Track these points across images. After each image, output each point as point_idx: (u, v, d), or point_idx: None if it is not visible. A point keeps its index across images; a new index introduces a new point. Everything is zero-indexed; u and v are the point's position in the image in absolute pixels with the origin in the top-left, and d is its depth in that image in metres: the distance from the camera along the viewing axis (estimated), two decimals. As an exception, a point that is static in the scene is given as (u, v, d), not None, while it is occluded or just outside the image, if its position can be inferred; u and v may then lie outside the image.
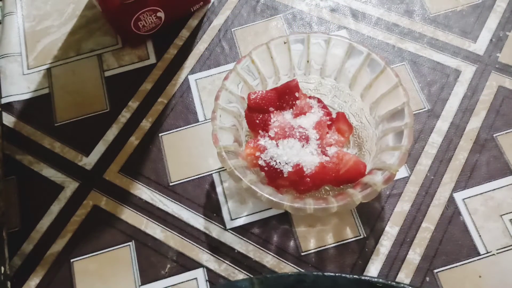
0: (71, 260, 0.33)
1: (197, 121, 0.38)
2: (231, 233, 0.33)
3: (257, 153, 0.31)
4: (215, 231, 0.34)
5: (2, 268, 0.32)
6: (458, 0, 0.41)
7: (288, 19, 0.42)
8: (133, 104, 0.39)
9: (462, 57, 0.39)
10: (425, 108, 0.37)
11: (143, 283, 0.32)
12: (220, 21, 0.42)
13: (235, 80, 0.32)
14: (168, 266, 0.33)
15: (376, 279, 0.26)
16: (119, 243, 0.34)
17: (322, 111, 0.33)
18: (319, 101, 0.34)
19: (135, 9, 0.38)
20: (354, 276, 0.26)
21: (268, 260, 0.32)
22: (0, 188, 0.35)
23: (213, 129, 0.30)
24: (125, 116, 0.39)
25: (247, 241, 0.33)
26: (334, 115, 0.34)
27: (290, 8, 0.42)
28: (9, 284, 0.32)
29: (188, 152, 0.37)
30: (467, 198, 0.33)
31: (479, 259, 0.31)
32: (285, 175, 0.30)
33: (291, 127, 0.31)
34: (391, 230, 0.32)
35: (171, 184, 0.35)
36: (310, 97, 0.34)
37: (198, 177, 0.35)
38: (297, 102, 0.33)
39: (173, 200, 0.35)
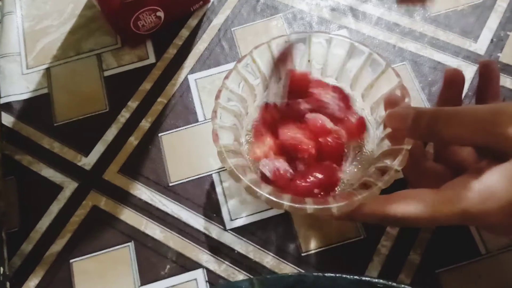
0: (71, 261, 0.33)
1: (197, 121, 0.38)
2: (231, 233, 0.33)
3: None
4: (215, 231, 0.33)
5: (1, 269, 0.32)
6: (458, 0, 0.41)
7: (288, 19, 0.42)
8: (133, 104, 0.39)
9: (463, 56, 0.39)
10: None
11: (142, 284, 0.32)
12: (220, 20, 0.42)
13: (236, 79, 0.32)
14: (168, 266, 0.32)
15: (376, 280, 0.26)
16: (118, 244, 0.33)
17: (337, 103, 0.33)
18: (335, 89, 0.33)
19: (135, 8, 0.38)
20: (355, 277, 0.26)
21: (268, 260, 0.32)
22: (-1, 188, 0.35)
23: (214, 128, 0.30)
24: (124, 116, 0.38)
25: (247, 242, 0.33)
26: None
27: (290, 8, 0.42)
28: (8, 284, 0.32)
29: (187, 152, 0.37)
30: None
31: (480, 259, 0.31)
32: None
33: None
34: (392, 231, 0.32)
35: (170, 184, 0.35)
36: (322, 85, 0.33)
37: (198, 177, 0.35)
38: (314, 91, 0.32)
39: (172, 201, 0.35)
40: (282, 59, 0.31)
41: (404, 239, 0.32)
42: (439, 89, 0.37)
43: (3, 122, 0.39)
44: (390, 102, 0.30)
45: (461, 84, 0.30)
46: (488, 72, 0.30)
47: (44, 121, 0.39)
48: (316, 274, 0.27)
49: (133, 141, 0.37)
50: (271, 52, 0.33)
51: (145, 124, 0.38)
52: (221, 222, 0.34)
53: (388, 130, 0.29)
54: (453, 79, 0.30)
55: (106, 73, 0.41)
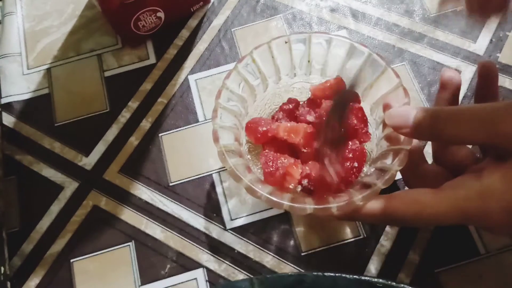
0: (71, 260, 0.33)
1: (197, 121, 0.38)
2: (231, 233, 0.33)
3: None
4: (215, 231, 0.33)
5: (2, 268, 0.32)
6: (458, 0, 0.41)
7: (288, 19, 0.42)
8: (133, 104, 0.39)
9: (462, 57, 0.39)
10: (425, 108, 0.37)
11: (143, 283, 0.32)
12: (220, 21, 0.42)
13: (236, 79, 0.32)
14: (168, 266, 0.33)
15: (376, 279, 0.26)
16: (119, 243, 0.34)
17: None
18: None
19: (135, 9, 0.38)
20: (354, 276, 0.26)
21: (268, 260, 0.32)
22: (0, 188, 0.35)
23: (214, 128, 0.30)
24: (125, 116, 0.39)
25: (247, 241, 0.33)
26: None
27: (290, 8, 0.42)
28: (9, 284, 0.32)
29: (188, 152, 0.37)
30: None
31: (479, 259, 0.31)
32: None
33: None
34: (391, 230, 0.32)
35: (171, 184, 0.35)
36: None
37: (198, 177, 0.35)
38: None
39: (173, 200, 0.35)
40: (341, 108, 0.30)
41: (404, 239, 0.32)
42: (438, 89, 0.37)
43: (4, 122, 0.39)
44: (389, 107, 0.30)
45: (458, 86, 0.31)
46: (487, 72, 0.31)
47: (45, 121, 0.39)
48: (316, 273, 0.27)
49: (133, 141, 0.37)
50: (271, 52, 0.33)
51: (146, 124, 0.38)
52: (221, 222, 0.34)
53: (388, 130, 0.30)
54: (450, 81, 0.30)
55: (107, 73, 0.41)
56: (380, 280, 0.26)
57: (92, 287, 0.32)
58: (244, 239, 0.33)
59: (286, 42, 0.33)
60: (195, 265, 0.32)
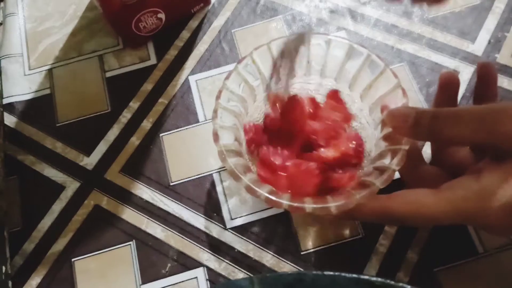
0: (72, 260, 0.33)
1: (198, 121, 0.38)
2: (231, 232, 0.34)
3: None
4: (215, 230, 0.34)
5: (4, 268, 0.32)
6: (456, 1, 0.42)
7: (288, 21, 0.42)
8: (134, 105, 0.39)
9: (461, 58, 0.39)
10: (424, 108, 0.37)
11: (143, 282, 0.32)
12: (220, 22, 0.43)
13: (237, 80, 0.32)
14: (169, 265, 0.33)
15: (375, 278, 0.26)
16: (120, 243, 0.34)
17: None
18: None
19: (136, 10, 0.39)
20: (353, 275, 0.26)
21: (268, 259, 0.32)
22: (2, 188, 0.35)
23: (214, 128, 0.30)
24: (126, 116, 0.39)
25: (247, 241, 0.33)
26: None
27: (290, 10, 0.43)
28: (10, 283, 0.32)
29: (188, 152, 0.37)
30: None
31: (478, 258, 0.31)
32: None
33: None
34: (390, 230, 0.33)
35: (171, 184, 0.36)
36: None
37: (199, 177, 0.36)
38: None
39: (173, 200, 0.35)
40: (287, 54, 0.31)
41: (402, 238, 0.32)
42: (436, 90, 0.38)
43: (6, 122, 0.39)
44: (388, 108, 0.30)
45: (456, 87, 0.31)
46: (486, 73, 0.31)
47: (47, 121, 0.39)
48: (315, 272, 0.27)
49: (134, 141, 0.38)
50: (271, 53, 0.33)
51: (147, 124, 0.38)
52: (221, 221, 0.34)
53: (386, 130, 0.30)
54: (448, 82, 0.31)
55: (108, 74, 0.41)
56: (379, 279, 0.26)
57: (93, 286, 0.33)
58: (244, 238, 0.33)
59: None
60: (196, 264, 0.33)
